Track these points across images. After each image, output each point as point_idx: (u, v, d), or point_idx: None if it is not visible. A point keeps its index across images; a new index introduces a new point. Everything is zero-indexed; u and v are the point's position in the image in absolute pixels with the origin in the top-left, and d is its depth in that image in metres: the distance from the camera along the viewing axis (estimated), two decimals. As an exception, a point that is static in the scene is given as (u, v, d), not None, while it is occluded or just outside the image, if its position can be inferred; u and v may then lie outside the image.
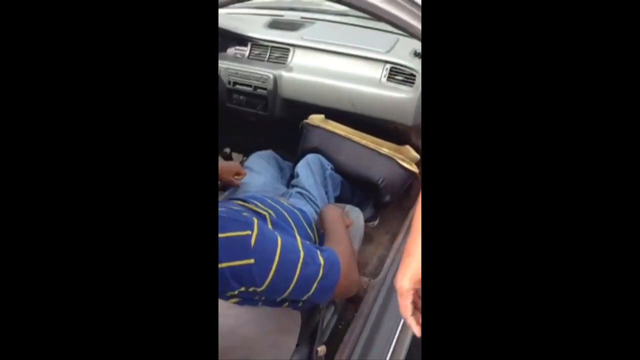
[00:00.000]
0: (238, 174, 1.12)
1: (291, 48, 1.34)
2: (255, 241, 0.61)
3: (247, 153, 1.33)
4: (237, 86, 1.37)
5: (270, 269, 0.62)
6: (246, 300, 0.65)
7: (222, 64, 1.37)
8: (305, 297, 0.68)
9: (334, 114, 1.28)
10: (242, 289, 0.61)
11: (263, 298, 0.68)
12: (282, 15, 1.55)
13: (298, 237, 0.71)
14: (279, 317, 0.74)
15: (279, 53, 1.36)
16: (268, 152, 1.29)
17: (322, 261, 0.69)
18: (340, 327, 1.07)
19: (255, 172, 1.18)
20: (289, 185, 1.20)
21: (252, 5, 1.67)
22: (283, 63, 1.34)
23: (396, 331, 0.88)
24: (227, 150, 1.43)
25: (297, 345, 0.86)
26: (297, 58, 1.33)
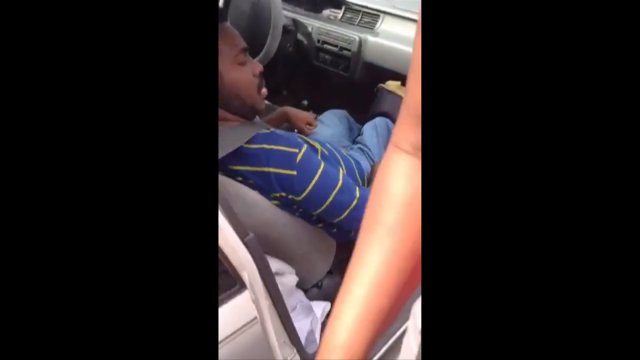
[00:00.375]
0: (310, 124, 1.24)
1: (381, 14, 1.39)
2: (300, 159, 0.73)
3: (322, 112, 1.43)
4: (325, 45, 1.47)
5: (309, 184, 0.73)
6: (286, 206, 0.77)
7: (315, 23, 1.48)
8: (336, 220, 0.79)
9: (409, 82, 1.32)
10: (284, 194, 0.74)
11: (300, 210, 0.79)
12: (380, -16, 1.60)
13: (341, 171, 0.81)
14: (314, 235, 0.85)
15: (369, 18, 1.42)
16: (342, 111, 1.38)
17: (357, 194, 0.78)
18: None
19: (326, 125, 1.29)
20: (354, 143, 1.29)
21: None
22: (371, 28, 1.41)
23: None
24: (305, 102, 1.55)
25: (331, 272, 0.96)
26: (385, 24, 1.38)
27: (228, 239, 0.52)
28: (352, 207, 0.77)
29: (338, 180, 0.77)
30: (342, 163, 0.93)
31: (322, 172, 0.75)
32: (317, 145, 0.90)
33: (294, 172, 0.72)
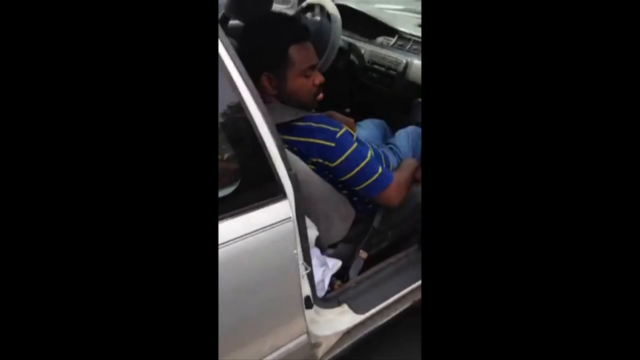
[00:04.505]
0: (350, 126, 1.44)
1: (427, 43, 1.60)
2: (339, 136, 0.94)
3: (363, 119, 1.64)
4: (374, 65, 1.69)
5: (343, 155, 0.93)
6: (319, 171, 0.97)
7: (368, 47, 1.72)
8: (358, 188, 0.98)
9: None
10: (320, 160, 0.94)
11: (331, 176, 0.98)
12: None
13: (370, 152, 0.99)
14: (338, 199, 1.03)
15: (417, 45, 1.63)
16: (379, 120, 1.58)
17: (380, 170, 0.97)
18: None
19: (363, 129, 1.49)
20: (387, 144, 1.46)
21: (416, 10, 1.99)
22: (418, 54, 1.61)
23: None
24: (348, 110, 1.77)
25: (346, 241, 1.12)
26: (429, 52, 1.58)
27: (279, 168, 0.72)
28: (373, 179, 0.95)
29: (366, 156, 0.96)
30: (372, 150, 1.11)
31: (354, 148, 0.95)
32: (354, 134, 1.09)
33: (333, 144, 0.92)
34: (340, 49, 1.68)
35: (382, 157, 1.17)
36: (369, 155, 0.97)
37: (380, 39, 1.78)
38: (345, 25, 1.87)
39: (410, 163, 1.15)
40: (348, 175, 0.95)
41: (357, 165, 0.94)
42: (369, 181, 0.95)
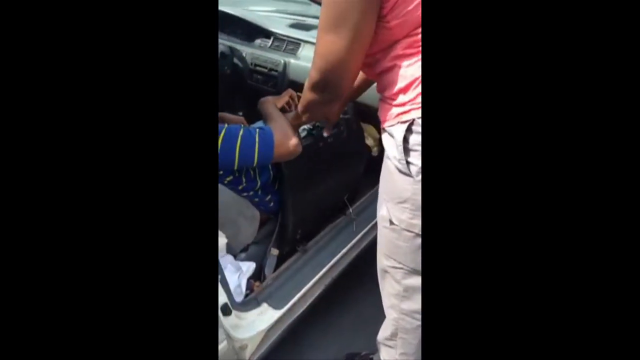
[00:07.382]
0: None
1: (302, 43, 1.70)
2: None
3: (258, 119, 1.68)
4: (257, 67, 1.74)
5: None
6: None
7: (248, 50, 1.76)
8: (254, 163, 0.91)
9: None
10: None
11: (228, 179, 0.99)
12: (304, 20, 1.93)
13: (242, 129, 0.93)
14: (241, 203, 1.06)
15: (292, 46, 1.72)
16: (271, 121, 1.64)
17: (257, 133, 0.91)
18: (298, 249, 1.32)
19: (256, 130, 1.54)
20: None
21: (286, 11, 2.08)
22: (294, 53, 1.70)
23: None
24: (240, 113, 1.79)
25: (257, 243, 1.17)
26: (305, 51, 1.68)
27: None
28: (257, 144, 0.89)
29: (238, 133, 0.89)
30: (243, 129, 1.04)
31: (225, 132, 0.88)
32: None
33: None
34: (223, 54, 1.69)
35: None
36: (240, 132, 0.91)
37: (258, 41, 1.82)
38: (224, 29, 1.88)
39: (266, 105, 1.09)
40: (236, 162, 0.89)
41: (235, 147, 0.88)
42: (257, 148, 0.90)
